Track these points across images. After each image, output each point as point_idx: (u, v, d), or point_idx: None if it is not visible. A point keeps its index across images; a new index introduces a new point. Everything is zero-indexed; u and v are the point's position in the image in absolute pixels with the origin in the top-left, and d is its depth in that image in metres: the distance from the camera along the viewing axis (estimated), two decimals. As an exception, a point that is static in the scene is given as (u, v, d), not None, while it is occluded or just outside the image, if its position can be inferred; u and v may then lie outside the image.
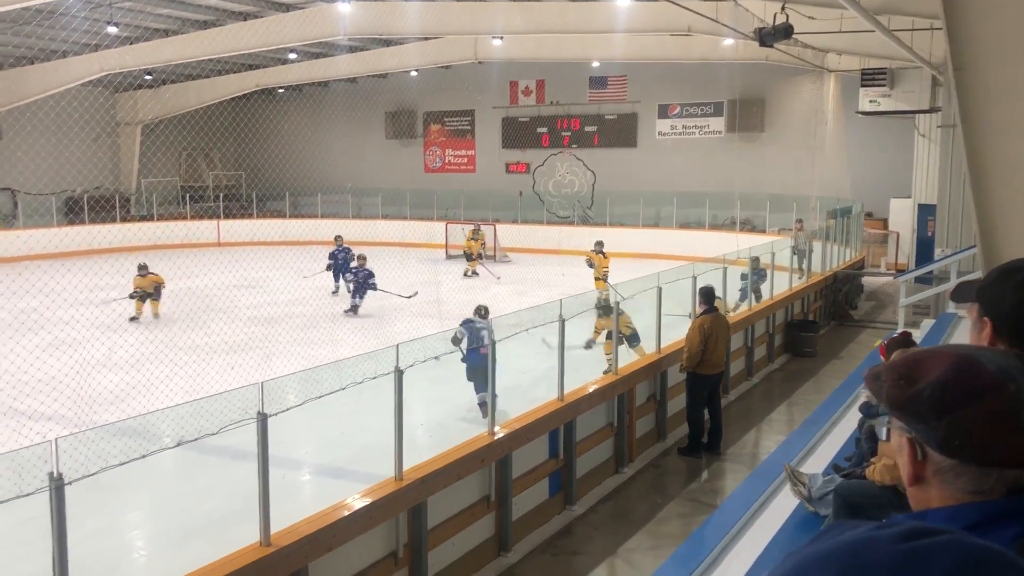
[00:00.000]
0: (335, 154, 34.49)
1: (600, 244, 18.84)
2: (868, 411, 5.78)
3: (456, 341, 9.55)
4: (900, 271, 21.88)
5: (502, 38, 23.58)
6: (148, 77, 29.79)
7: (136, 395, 10.81)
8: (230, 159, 36.47)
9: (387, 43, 27.43)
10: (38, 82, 25.62)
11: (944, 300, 13.59)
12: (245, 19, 22.23)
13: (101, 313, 16.44)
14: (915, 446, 1.14)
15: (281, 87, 33.30)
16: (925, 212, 22.15)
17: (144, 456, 4.96)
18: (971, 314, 2.15)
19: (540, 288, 18.70)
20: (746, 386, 13.36)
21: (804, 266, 17.45)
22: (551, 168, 32.45)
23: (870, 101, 20.69)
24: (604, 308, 11.55)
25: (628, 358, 10.19)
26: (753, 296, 14.58)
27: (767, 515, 5.53)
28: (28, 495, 4.27)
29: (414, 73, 31.22)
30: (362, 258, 17.32)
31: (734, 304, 13.93)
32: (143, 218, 31.85)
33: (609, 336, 11.35)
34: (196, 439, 5.12)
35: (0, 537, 6.63)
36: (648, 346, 10.69)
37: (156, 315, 16.70)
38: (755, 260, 14.49)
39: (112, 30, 20.37)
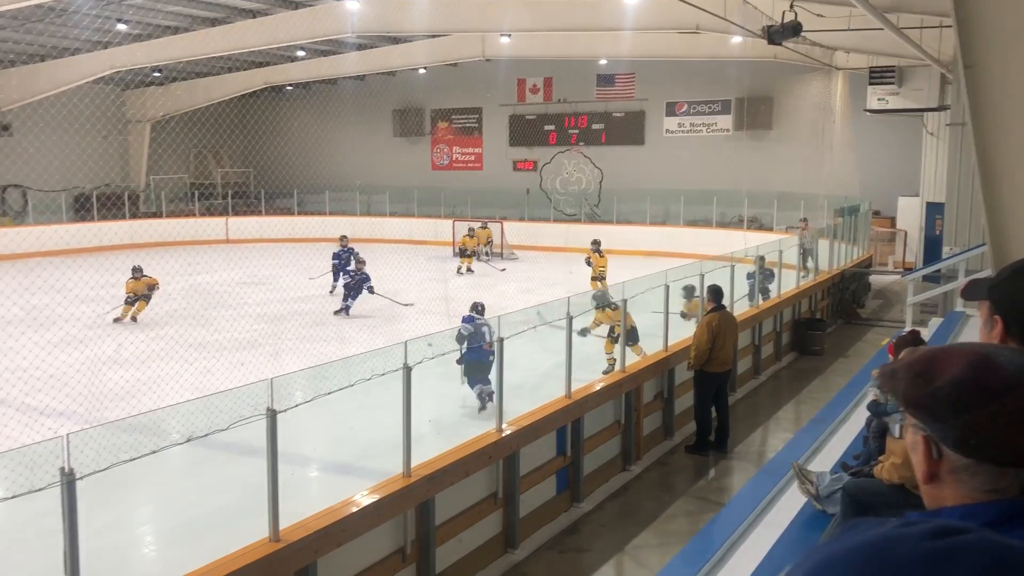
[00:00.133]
0: (343, 151, 34.55)
1: (597, 243, 18.80)
2: (876, 409, 5.77)
3: (461, 339, 9.59)
4: (908, 269, 21.85)
5: (510, 36, 23.57)
6: (157, 74, 29.91)
7: (146, 391, 10.86)
8: (238, 156, 36.55)
9: (395, 41, 27.43)
10: (48, 79, 25.71)
11: (952, 298, 13.55)
12: (254, 16, 22.27)
13: (110, 310, 16.47)
14: (930, 444, 1.14)
15: (289, 84, 33.34)
16: (933, 210, 22.11)
17: (154, 452, 5.00)
18: (982, 312, 2.15)
19: (547, 286, 18.70)
20: (753, 384, 13.35)
21: (809, 265, 17.39)
22: (558, 166, 32.44)
23: (878, 99, 20.63)
24: (600, 299, 11.52)
25: (629, 357, 10.16)
26: (760, 296, 14.53)
27: (774, 513, 5.53)
28: (40, 490, 4.30)
29: (422, 71, 31.24)
30: (361, 262, 17.19)
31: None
32: (152, 215, 31.95)
33: (611, 337, 11.33)
34: (206, 435, 5.15)
35: (13, 531, 6.68)
36: (655, 344, 10.68)
37: (135, 318, 16.07)
38: (760, 260, 14.45)
39: (122, 27, 20.45)
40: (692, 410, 10.48)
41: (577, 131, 31.90)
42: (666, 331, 10.59)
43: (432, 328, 10.90)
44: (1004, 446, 1.07)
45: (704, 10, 15.69)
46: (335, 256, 19.23)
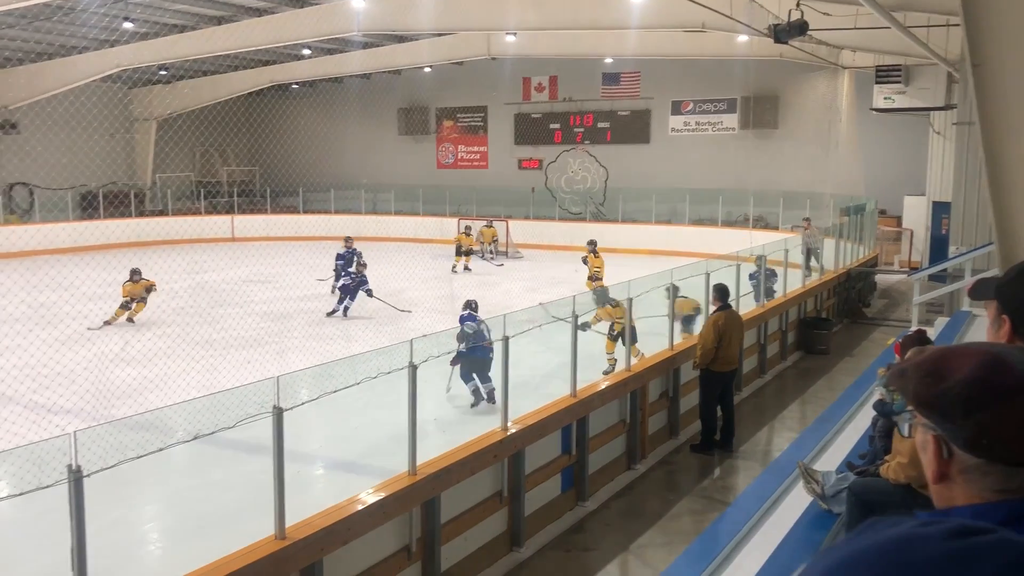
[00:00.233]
0: (348, 150, 34.58)
1: (593, 243, 18.78)
2: (882, 408, 5.76)
3: (465, 338, 9.61)
4: (914, 269, 21.77)
5: (515, 34, 23.57)
6: (163, 73, 29.96)
7: (152, 389, 10.89)
8: (244, 155, 36.60)
9: (401, 39, 27.45)
10: (54, 77, 25.78)
11: (958, 298, 13.51)
12: (260, 15, 22.30)
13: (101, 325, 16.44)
14: (941, 444, 1.14)
15: (295, 83, 33.39)
16: (939, 210, 22.02)
17: (161, 449, 5.01)
18: (989, 312, 2.15)
19: (552, 285, 18.69)
20: (759, 383, 13.34)
21: (813, 264, 17.31)
22: (563, 164, 32.43)
23: (885, 98, 20.57)
24: (601, 295, 11.48)
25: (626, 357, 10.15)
26: (764, 296, 14.48)
27: (780, 512, 5.52)
28: (48, 487, 4.32)
29: (427, 69, 31.25)
30: (362, 265, 17.06)
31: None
32: (158, 213, 32.02)
33: (611, 336, 11.29)
34: (212, 432, 5.16)
35: (20, 528, 6.71)
36: (661, 343, 10.67)
37: (132, 320, 15.77)
38: (761, 259, 14.38)
39: (128, 26, 20.50)
40: (697, 409, 10.47)
41: (582, 130, 31.88)
42: (671, 330, 10.58)
43: (437, 327, 10.91)
44: (1015, 446, 1.07)
45: (710, 8, 15.66)
46: (339, 257, 19.14)
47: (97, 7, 18.72)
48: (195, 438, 5.16)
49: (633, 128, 30.98)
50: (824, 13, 16.85)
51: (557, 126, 32.29)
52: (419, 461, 6.41)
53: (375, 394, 7.25)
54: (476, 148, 34.23)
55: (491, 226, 26.60)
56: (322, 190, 32.87)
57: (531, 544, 7.60)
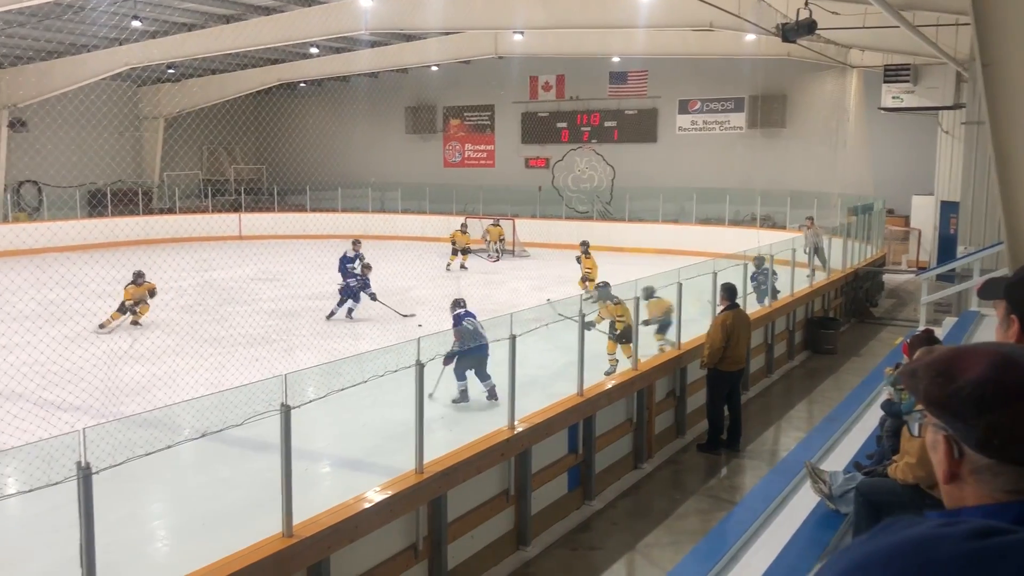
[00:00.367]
0: (356, 148, 34.62)
1: (585, 244, 18.73)
2: (890, 408, 5.75)
3: (469, 335, 9.62)
4: (921, 268, 21.71)
5: (522, 33, 23.57)
6: (171, 71, 30.07)
7: (160, 386, 10.93)
8: (251, 153, 36.70)
9: (408, 38, 27.48)
10: (63, 75, 25.89)
11: (966, 298, 13.48)
12: (268, 13, 22.36)
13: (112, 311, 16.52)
14: (951, 444, 1.14)
15: (302, 81, 33.45)
16: (948, 209, 21.96)
17: (169, 446, 5.03)
18: (998, 312, 2.15)
19: (559, 283, 18.66)
20: (766, 383, 13.31)
21: (816, 262, 17.23)
22: (570, 163, 32.41)
23: (893, 97, 20.52)
24: (603, 293, 11.42)
25: (621, 357, 10.14)
26: (767, 298, 14.35)
27: (787, 512, 5.52)
28: (57, 483, 4.34)
29: (435, 68, 31.28)
30: (367, 267, 16.86)
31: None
32: (165, 211, 32.13)
33: (611, 336, 11.24)
34: (220, 430, 5.17)
35: (29, 524, 6.74)
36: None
37: (136, 323, 15.40)
38: (760, 260, 14.30)
39: (136, 24, 20.57)
40: (704, 408, 10.46)
41: (589, 128, 31.86)
42: (679, 329, 10.57)
43: (444, 325, 10.92)
44: None
45: (718, 7, 15.65)
46: (348, 260, 18.83)
47: (107, 6, 18.78)
48: (203, 435, 5.18)
49: (640, 127, 30.95)
50: (833, 12, 16.81)
51: (564, 125, 32.27)
52: (426, 459, 6.42)
53: (382, 392, 7.26)
54: (483, 147, 34.23)
55: (498, 225, 26.59)
56: (329, 188, 32.91)
57: (537, 543, 7.61)
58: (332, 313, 16.16)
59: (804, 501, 5.55)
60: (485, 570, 7.10)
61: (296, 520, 5.37)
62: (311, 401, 5.67)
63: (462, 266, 23.25)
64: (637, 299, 10.11)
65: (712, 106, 29.74)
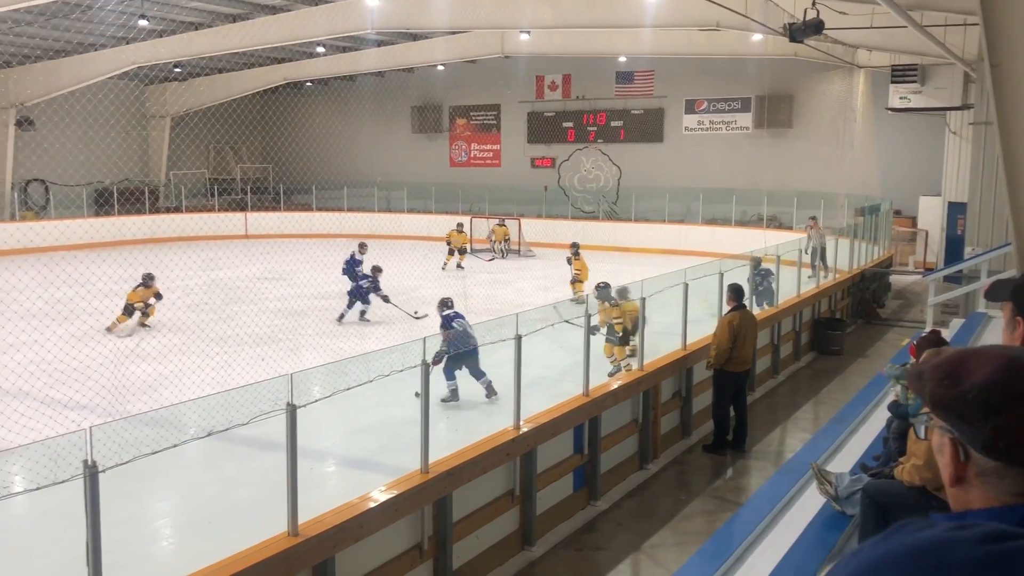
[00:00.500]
0: (361, 148, 34.66)
1: (575, 246, 18.69)
2: (897, 410, 5.74)
3: (458, 336, 9.63)
4: (928, 270, 21.66)
5: (529, 32, 23.57)
6: (178, 70, 30.14)
7: (167, 385, 10.97)
8: (258, 152, 36.78)
9: (414, 37, 27.52)
10: (71, 74, 25.97)
11: (973, 299, 13.43)
12: (274, 13, 22.41)
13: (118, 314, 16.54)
14: (957, 447, 1.13)
15: (309, 81, 33.50)
16: (955, 210, 21.88)
17: (175, 445, 5.04)
18: (1005, 313, 2.14)
19: (564, 283, 18.65)
20: (772, 384, 13.29)
21: (818, 264, 17.16)
22: (576, 163, 32.40)
23: (900, 98, 20.47)
24: (603, 293, 11.38)
25: (651, 355, 10.11)
26: (764, 302, 14.17)
27: (792, 513, 5.51)
28: (64, 482, 4.35)
29: (441, 67, 31.29)
30: (377, 270, 16.69)
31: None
32: (172, 210, 32.20)
33: (609, 338, 11.19)
34: (226, 429, 5.18)
35: (36, 522, 6.76)
36: (674, 343, 10.64)
37: (146, 325, 15.20)
38: (757, 260, 14.23)
39: (143, 23, 20.61)
40: (710, 409, 10.45)
41: (596, 128, 31.83)
42: (684, 330, 10.55)
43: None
44: None
45: (725, 7, 15.60)
46: (356, 263, 18.70)
47: (114, 5, 18.85)
48: (209, 434, 5.19)
49: (646, 127, 30.91)
50: (840, 12, 16.78)
51: (570, 124, 32.26)
52: (431, 459, 6.42)
53: (388, 392, 7.26)
54: (489, 146, 34.24)
55: (503, 224, 26.59)
56: (335, 187, 32.95)
57: (543, 543, 7.60)
58: (342, 316, 16.08)
59: (810, 502, 5.54)
60: (490, 570, 7.10)
61: (301, 519, 5.38)
62: (317, 400, 5.68)
63: (458, 265, 23.23)
64: (643, 299, 10.10)
65: (719, 106, 29.69)
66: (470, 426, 8.92)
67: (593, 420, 8.51)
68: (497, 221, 26.85)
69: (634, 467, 9.42)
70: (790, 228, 25.15)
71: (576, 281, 17.64)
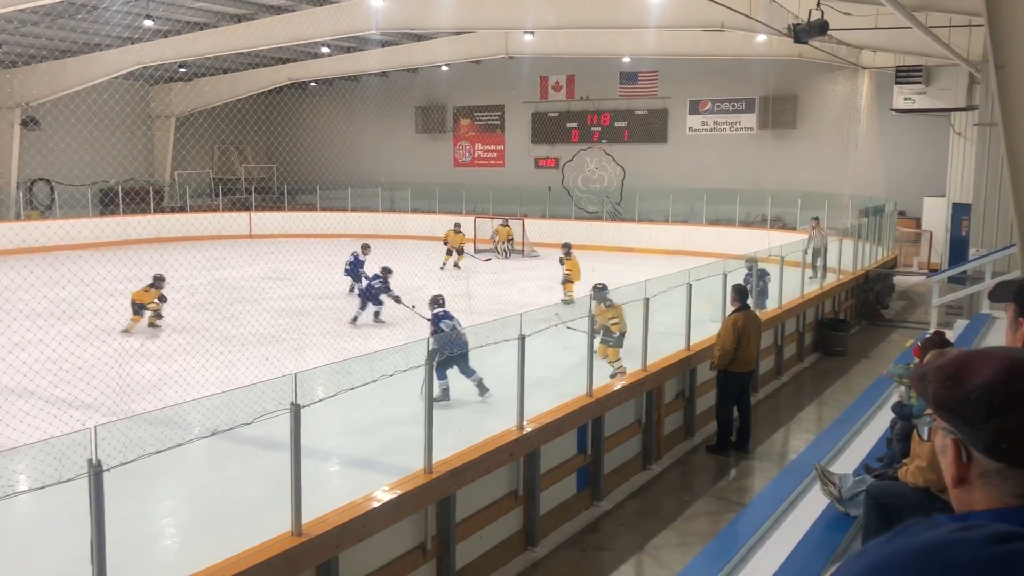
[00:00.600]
0: (366, 148, 34.70)
1: (567, 246, 18.66)
2: (901, 411, 5.73)
3: (447, 336, 9.63)
4: (933, 271, 21.62)
5: (533, 33, 23.59)
6: (183, 70, 30.20)
7: (171, 384, 10.98)
8: (262, 152, 36.82)
9: (418, 38, 27.54)
10: (75, 74, 26.03)
11: (978, 301, 13.41)
12: (279, 13, 22.44)
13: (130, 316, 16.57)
14: (960, 448, 1.14)
15: (313, 81, 33.55)
16: (959, 211, 21.86)
17: (180, 444, 5.05)
18: (1007, 314, 2.14)
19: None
20: (775, 384, 13.28)
21: (818, 264, 17.14)
22: (580, 163, 32.40)
23: (905, 98, 20.45)
24: (599, 295, 11.34)
25: (654, 356, 10.10)
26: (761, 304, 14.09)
27: (796, 514, 5.51)
28: (68, 481, 4.36)
29: (445, 68, 31.32)
30: (387, 271, 16.57)
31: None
32: (176, 209, 32.26)
33: (605, 339, 11.14)
34: (230, 428, 5.19)
35: (40, 520, 6.78)
36: (677, 343, 10.63)
37: (154, 324, 15.19)
38: (753, 260, 14.19)
39: (148, 24, 20.67)
40: (713, 410, 10.44)
41: (599, 129, 31.84)
42: (688, 330, 10.54)
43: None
44: None
45: (729, 8, 15.61)
46: (359, 264, 18.67)
47: (119, 5, 18.88)
48: (213, 434, 5.20)
49: (650, 127, 30.91)
50: (845, 13, 16.76)
51: (574, 125, 32.26)
52: (435, 459, 6.43)
53: (391, 391, 7.27)
54: (493, 147, 34.26)
55: (507, 225, 26.59)
56: (339, 187, 33.00)
57: (546, 543, 7.61)
58: (355, 318, 16.00)
59: (813, 503, 5.54)
60: (493, 570, 7.10)
61: (305, 519, 5.39)
62: (321, 400, 5.68)
63: (456, 265, 23.22)
64: (647, 300, 10.07)
65: (723, 107, 29.68)
66: (473, 427, 8.92)
67: (597, 420, 8.50)
68: (501, 221, 26.85)
69: (637, 468, 9.42)
70: (794, 229, 25.13)
71: (567, 281, 17.62)
